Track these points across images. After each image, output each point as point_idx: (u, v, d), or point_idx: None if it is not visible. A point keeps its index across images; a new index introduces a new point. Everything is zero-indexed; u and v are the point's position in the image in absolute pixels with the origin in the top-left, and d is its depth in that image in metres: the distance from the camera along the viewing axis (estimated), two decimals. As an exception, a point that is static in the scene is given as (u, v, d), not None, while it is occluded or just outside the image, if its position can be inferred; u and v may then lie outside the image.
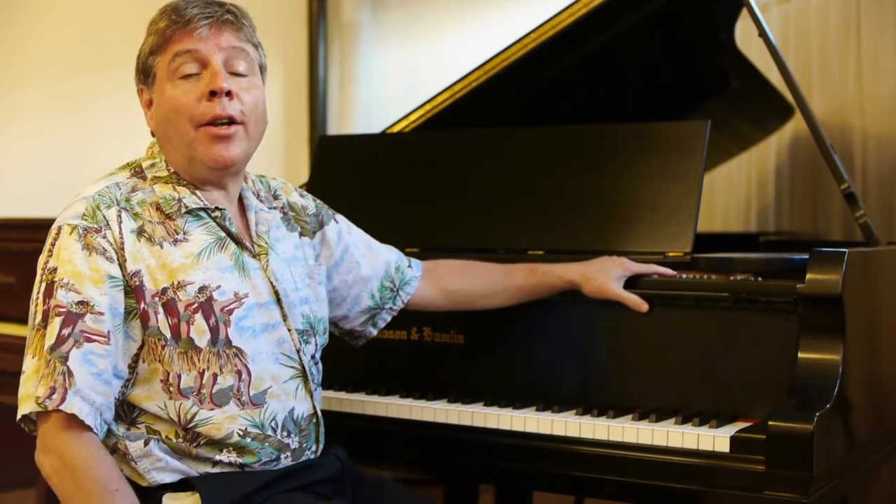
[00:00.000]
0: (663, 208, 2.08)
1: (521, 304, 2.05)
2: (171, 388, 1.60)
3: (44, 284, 1.57)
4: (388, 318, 2.01)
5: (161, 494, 1.61)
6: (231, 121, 1.65)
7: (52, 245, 1.59)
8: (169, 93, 1.65)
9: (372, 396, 2.11)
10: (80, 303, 1.54)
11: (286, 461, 1.70)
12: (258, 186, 1.85)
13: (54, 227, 1.61)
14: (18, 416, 1.56)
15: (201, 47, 1.64)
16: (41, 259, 1.61)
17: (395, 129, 2.62)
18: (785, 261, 2.05)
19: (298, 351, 1.72)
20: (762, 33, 2.23)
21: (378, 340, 2.07)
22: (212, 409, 1.62)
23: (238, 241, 1.70)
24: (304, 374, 1.73)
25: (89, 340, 1.54)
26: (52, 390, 1.51)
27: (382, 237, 2.02)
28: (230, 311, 1.63)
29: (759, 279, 1.95)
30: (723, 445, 1.74)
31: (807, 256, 1.83)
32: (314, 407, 1.76)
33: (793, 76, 2.22)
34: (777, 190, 3.53)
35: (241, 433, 1.64)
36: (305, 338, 1.75)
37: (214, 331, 1.61)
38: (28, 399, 1.53)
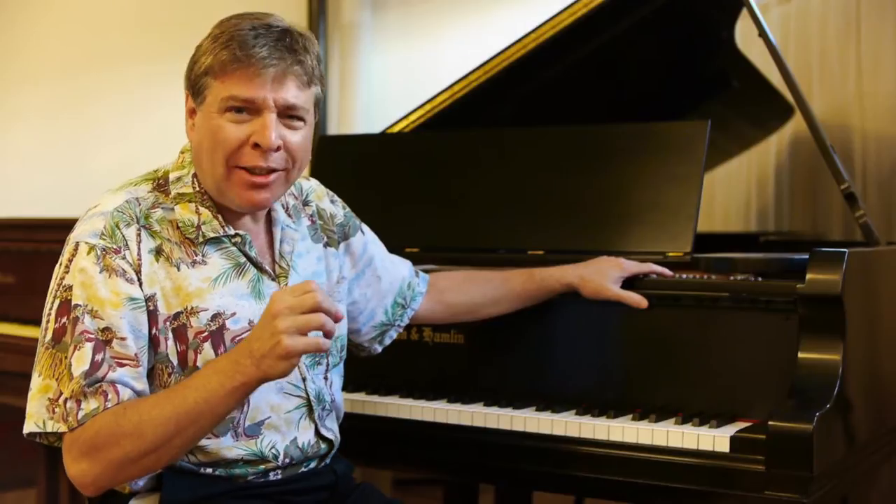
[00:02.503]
0: (663, 208, 2.08)
1: (520, 305, 2.05)
2: None
3: (57, 301, 1.53)
4: (395, 336, 1.99)
5: (129, 498, 1.60)
6: (271, 170, 1.59)
7: (69, 261, 1.54)
8: (215, 122, 1.57)
9: (372, 396, 2.11)
10: (105, 329, 1.50)
11: (275, 477, 1.66)
12: (289, 192, 1.80)
13: (71, 240, 1.56)
14: (27, 431, 1.53)
15: (258, 97, 1.56)
16: (56, 271, 1.56)
17: (395, 129, 2.62)
18: (785, 261, 2.05)
19: (305, 380, 1.69)
20: (762, 33, 2.23)
21: (378, 340, 2.06)
22: (209, 438, 1.59)
23: (258, 265, 1.66)
24: (308, 405, 1.69)
25: (121, 365, 1.51)
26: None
27: (382, 237, 2.02)
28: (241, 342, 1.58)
29: (759, 279, 1.95)
30: (723, 445, 1.74)
31: (807, 256, 1.82)
32: (320, 432, 1.71)
33: (793, 76, 2.22)
34: (777, 190, 3.53)
35: (237, 459, 1.61)
36: (317, 360, 1.72)
37: None
38: (49, 420, 1.49)
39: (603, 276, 1.98)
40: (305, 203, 1.84)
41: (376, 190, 2.42)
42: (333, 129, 4.48)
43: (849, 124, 3.33)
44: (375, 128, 2.71)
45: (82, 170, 4.93)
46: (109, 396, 1.48)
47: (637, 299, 1.96)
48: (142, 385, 1.53)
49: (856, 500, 2.03)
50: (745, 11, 2.37)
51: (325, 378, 1.75)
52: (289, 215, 1.77)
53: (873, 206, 3.25)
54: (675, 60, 2.94)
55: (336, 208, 1.89)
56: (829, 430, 1.71)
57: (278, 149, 1.58)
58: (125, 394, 1.50)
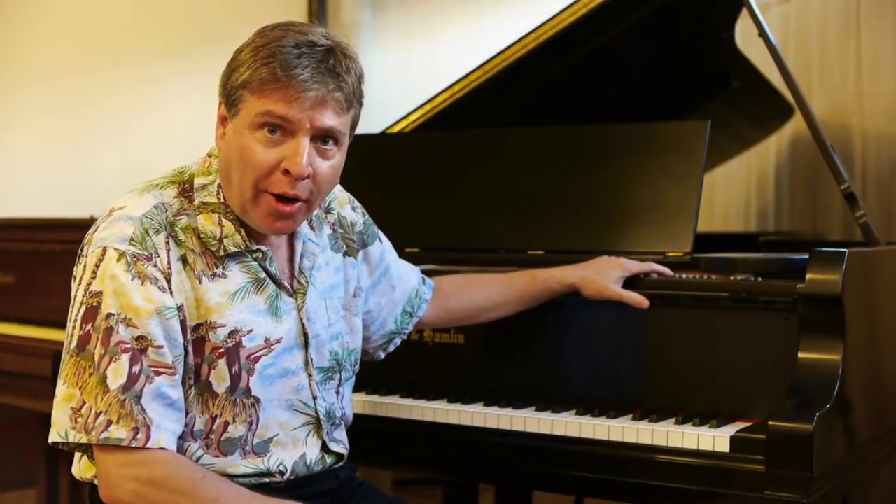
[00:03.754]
0: (663, 208, 2.08)
1: (521, 304, 2.05)
2: (185, 428, 1.55)
3: (83, 308, 1.50)
4: (399, 343, 1.99)
5: None
6: (297, 199, 1.56)
7: (96, 266, 1.50)
8: (246, 140, 1.53)
9: (372, 396, 2.11)
10: (139, 338, 1.48)
11: (277, 485, 1.65)
12: None
13: (95, 242, 1.53)
14: (51, 440, 1.51)
15: (295, 118, 1.51)
16: (80, 274, 1.53)
17: (395, 129, 2.62)
18: (785, 261, 2.05)
19: (315, 398, 1.68)
20: (762, 33, 2.23)
21: (378, 340, 2.06)
22: (217, 457, 1.58)
23: (277, 282, 1.64)
24: (317, 422, 1.68)
25: (158, 374, 1.49)
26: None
27: (382, 237, 2.02)
28: (256, 359, 1.58)
29: (759, 279, 1.95)
30: (723, 445, 1.74)
31: (807, 256, 1.83)
32: (327, 447, 1.70)
33: (793, 76, 2.22)
34: (777, 190, 3.53)
35: (243, 475, 1.60)
36: (329, 374, 1.71)
37: (235, 379, 1.57)
38: (70, 430, 1.48)
39: (604, 276, 1.98)
40: (328, 210, 1.81)
41: (376, 190, 2.41)
42: (333, 129, 4.48)
43: (849, 124, 3.33)
44: (375, 128, 2.71)
45: (82, 170, 4.94)
46: (138, 436, 1.46)
47: (638, 299, 1.96)
48: (178, 393, 1.51)
49: (856, 500, 2.03)
50: (745, 11, 2.37)
51: (337, 392, 1.74)
52: (311, 227, 1.74)
53: (873, 206, 3.25)
54: (675, 60, 2.94)
55: (356, 215, 1.87)
56: (829, 430, 1.71)
57: (307, 177, 1.55)
58: (157, 437, 1.48)
